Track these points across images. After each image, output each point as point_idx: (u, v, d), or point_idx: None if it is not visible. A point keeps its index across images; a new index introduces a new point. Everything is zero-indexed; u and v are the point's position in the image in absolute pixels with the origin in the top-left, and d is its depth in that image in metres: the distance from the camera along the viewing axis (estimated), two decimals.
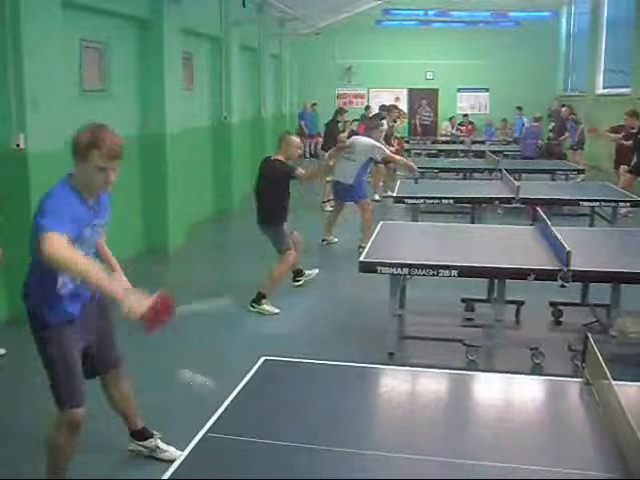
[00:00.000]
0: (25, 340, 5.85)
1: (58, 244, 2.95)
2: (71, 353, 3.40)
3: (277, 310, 6.74)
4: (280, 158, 6.85)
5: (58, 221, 3.03)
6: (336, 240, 9.79)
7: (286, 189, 6.85)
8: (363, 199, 9.64)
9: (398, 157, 10.32)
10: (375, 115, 13.49)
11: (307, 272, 7.71)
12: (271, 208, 6.84)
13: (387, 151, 9.86)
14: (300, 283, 7.63)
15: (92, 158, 3.18)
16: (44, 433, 3.58)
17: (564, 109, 17.14)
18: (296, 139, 7.05)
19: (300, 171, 6.88)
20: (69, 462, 3.54)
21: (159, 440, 4.03)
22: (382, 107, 15.78)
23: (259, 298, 6.76)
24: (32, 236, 3.21)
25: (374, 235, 6.10)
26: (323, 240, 9.76)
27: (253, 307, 6.78)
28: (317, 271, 7.80)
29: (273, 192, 6.81)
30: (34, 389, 4.79)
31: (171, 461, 3.81)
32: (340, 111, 14.31)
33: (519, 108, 20.39)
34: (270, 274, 6.83)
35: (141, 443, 4.02)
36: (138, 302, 2.98)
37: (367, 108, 18.39)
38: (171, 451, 3.96)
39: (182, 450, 2.38)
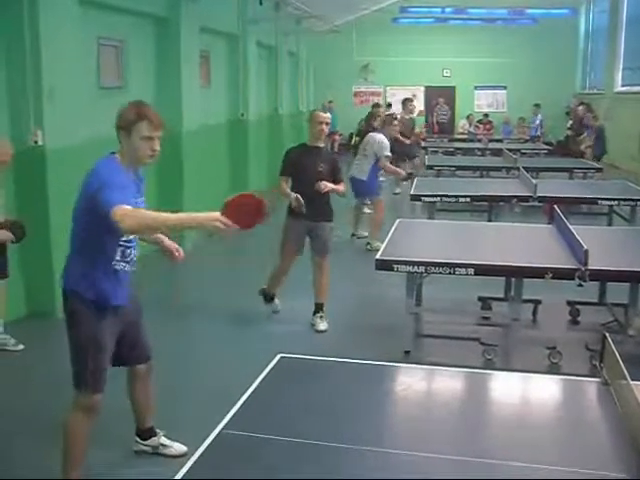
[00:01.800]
0: (42, 336, 5.94)
1: (128, 214, 3.09)
2: (103, 337, 3.43)
3: (279, 309, 6.68)
4: (307, 141, 6.33)
5: (118, 191, 3.17)
6: (366, 234, 9.65)
7: (292, 179, 6.24)
8: (376, 196, 9.64)
9: (389, 166, 9.69)
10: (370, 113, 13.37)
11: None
12: None
13: (388, 154, 9.45)
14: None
15: (139, 129, 3.36)
16: (60, 427, 3.58)
17: (580, 108, 16.94)
18: (318, 113, 6.18)
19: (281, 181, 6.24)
20: (84, 454, 3.54)
21: (163, 437, 4.05)
22: (375, 105, 15.67)
23: (265, 294, 6.71)
24: (74, 215, 3.39)
25: (390, 233, 6.08)
26: (353, 235, 9.80)
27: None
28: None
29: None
30: (50, 384, 4.83)
31: (176, 456, 3.87)
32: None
33: (537, 105, 20.25)
34: None
35: (145, 442, 4.05)
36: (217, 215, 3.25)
37: (388, 106, 18.09)
38: (175, 447, 4.01)
39: (197, 446, 2.37)
